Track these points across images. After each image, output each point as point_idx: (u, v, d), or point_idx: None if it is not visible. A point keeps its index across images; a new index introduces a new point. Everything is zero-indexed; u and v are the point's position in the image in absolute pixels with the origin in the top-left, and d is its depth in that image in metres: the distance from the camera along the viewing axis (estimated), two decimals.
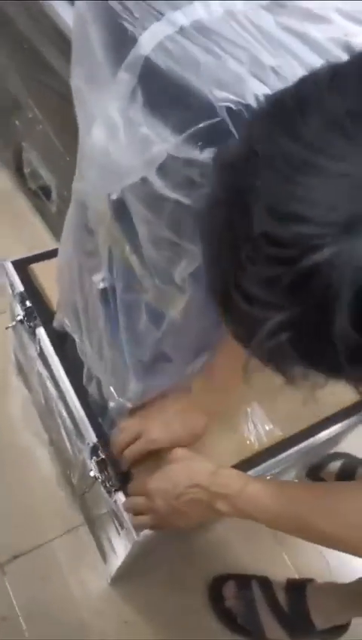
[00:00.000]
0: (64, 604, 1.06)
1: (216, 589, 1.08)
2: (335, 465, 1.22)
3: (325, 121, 0.34)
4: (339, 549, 0.65)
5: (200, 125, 0.42)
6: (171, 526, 0.73)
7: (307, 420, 0.90)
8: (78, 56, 0.51)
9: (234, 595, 1.05)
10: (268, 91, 0.44)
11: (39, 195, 1.41)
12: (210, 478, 0.69)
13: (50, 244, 1.30)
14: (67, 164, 1.18)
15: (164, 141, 0.44)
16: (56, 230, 1.40)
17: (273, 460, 0.86)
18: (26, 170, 1.41)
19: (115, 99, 0.45)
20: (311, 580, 1.07)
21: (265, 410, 0.89)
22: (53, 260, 0.90)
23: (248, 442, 0.87)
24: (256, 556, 1.15)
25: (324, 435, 0.90)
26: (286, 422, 0.89)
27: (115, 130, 0.46)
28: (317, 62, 0.49)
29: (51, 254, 0.98)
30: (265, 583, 1.05)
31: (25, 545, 1.10)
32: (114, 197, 0.61)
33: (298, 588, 1.04)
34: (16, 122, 1.34)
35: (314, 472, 1.24)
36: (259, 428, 0.88)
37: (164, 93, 0.44)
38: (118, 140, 0.46)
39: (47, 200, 1.38)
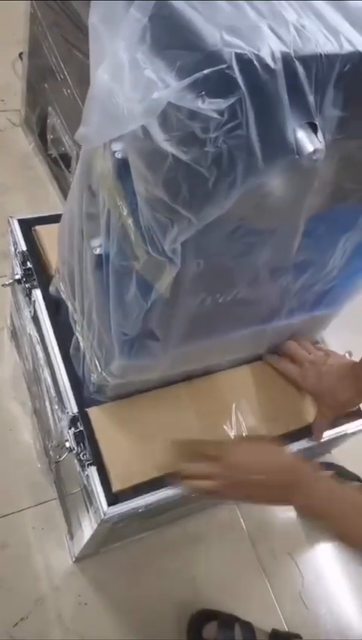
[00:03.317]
0: (23, 575, 1.03)
1: (195, 625, 1.02)
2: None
3: None
4: None
5: (205, 72, 0.38)
6: (230, 498, 0.75)
7: (293, 424, 0.88)
8: None
9: (214, 638, 0.98)
10: (285, 49, 0.41)
11: (58, 163, 1.39)
12: (297, 463, 0.71)
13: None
14: None
15: (166, 87, 0.40)
16: None
17: None
18: (49, 137, 1.39)
19: (124, 38, 0.42)
20: (297, 636, 1.02)
21: (252, 408, 0.86)
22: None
23: (229, 437, 0.83)
24: (227, 556, 1.12)
25: (306, 442, 0.87)
26: (270, 422, 0.86)
27: (121, 72, 0.43)
28: (347, 29, 0.46)
29: (58, 218, 0.95)
30: (249, 629, 0.98)
31: None
32: (118, 156, 0.58)
33: None
34: (46, 85, 1.32)
35: None
36: (242, 424, 0.85)
37: (173, 36, 0.41)
38: (122, 83, 0.43)
39: (66, 169, 1.36)
